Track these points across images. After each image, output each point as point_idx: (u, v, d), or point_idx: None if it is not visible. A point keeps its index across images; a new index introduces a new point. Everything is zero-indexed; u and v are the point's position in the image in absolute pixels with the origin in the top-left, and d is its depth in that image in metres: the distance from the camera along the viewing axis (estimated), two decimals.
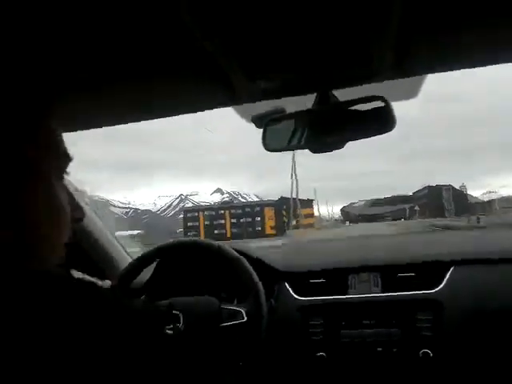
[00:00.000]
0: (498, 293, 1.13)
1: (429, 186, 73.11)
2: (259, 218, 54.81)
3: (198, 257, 1.22)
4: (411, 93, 0.78)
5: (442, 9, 0.53)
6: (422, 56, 0.66)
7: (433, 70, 0.71)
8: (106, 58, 0.59)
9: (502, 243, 1.37)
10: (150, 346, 0.72)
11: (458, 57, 0.68)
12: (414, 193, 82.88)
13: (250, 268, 1.07)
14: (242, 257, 1.09)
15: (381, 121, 0.70)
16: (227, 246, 1.15)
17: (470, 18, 0.56)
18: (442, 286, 1.15)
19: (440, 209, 64.16)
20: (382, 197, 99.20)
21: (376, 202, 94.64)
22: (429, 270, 1.19)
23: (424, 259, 1.23)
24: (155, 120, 0.84)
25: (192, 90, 0.72)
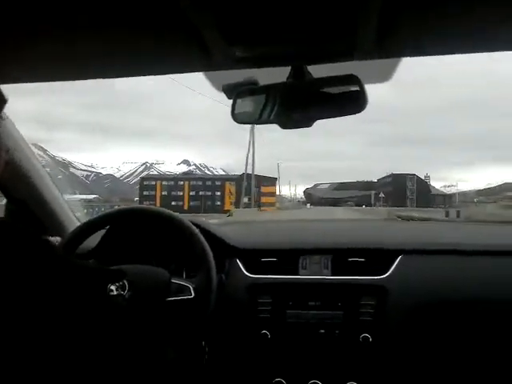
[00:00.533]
0: (444, 284, 1.22)
1: (393, 174, 75.33)
2: (219, 193, 54.75)
3: (150, 225, 1.22)
4: (385, 76, 0.80)
5: None
6: (403, 37, 0.68)
7: (412, 54, 0.73)
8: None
9: (456, 235, 1.49)
10: (93, 301, 0.74)
11: (438, 42, 0.71)
12: (378, 179, 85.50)
13: (205, 242, 1.08)
14: (196, 229, 1.10)
15: (352, 101, 0.73)
16: (185, 218, 1.15)
17: (454, 2, 0.58)
18: (389, 273, 1.23)
19: (402, 198, 66.65)
20: (347, 181, 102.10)
21: (340, 186, 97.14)
22: (378, 257, 1.27)
23: (375, 246, 1.30)
24: (130, 83, 0.83)
25: (168, 51, 0.71)
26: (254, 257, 1.31)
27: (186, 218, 1.17)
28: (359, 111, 0.72)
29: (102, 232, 1.24)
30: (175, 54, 0.73)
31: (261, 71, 0.77)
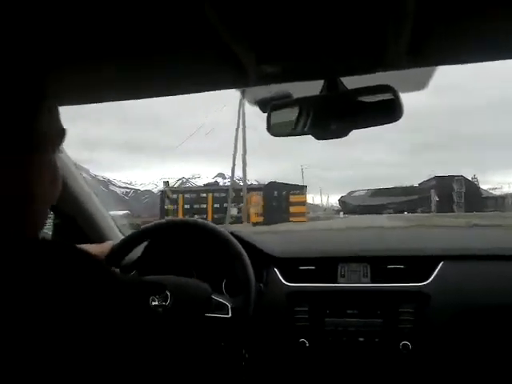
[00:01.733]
0: (487, 290, 1.27)
1: (437, 177, 73.21)
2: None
3: (192, 238, 1.33)
4: (421, 84, 0.87)
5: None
6: (436, 47, 0.73)
7: (446, 62, 0.79)
8: (123, 32, 0.66)
9: (496, 241, 1.52)
10: (134, 314, 0.82)
11: (472, 49, 0.76)
12: (420, 184, 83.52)
13: (250, 265, 1.16)
14: (239, 244, 1.19)
15: (388, 110, 0.79)
16: (228, 232, 1.24)
17: (484, 9, 0.63)
18: (430, 279, 1.30)
19: (449, 202, 64.72)
20: (385, 187, 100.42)
21: (378, 192, 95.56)
22: (419, 264, 1.33)
23: (415, 253, 1.38)
24: (164, 102, 0.93)
25: (202, 69, 0.80)
26: (292, 265, 1.40)
27: (227, 228, 1.26)
28: (395, 120, 0.78)
29: (145, 244, 1.36)
30: (210, 72, 0.82)
31: (295, 83, 0.85)
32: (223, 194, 54.59)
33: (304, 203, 51.22)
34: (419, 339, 1.25)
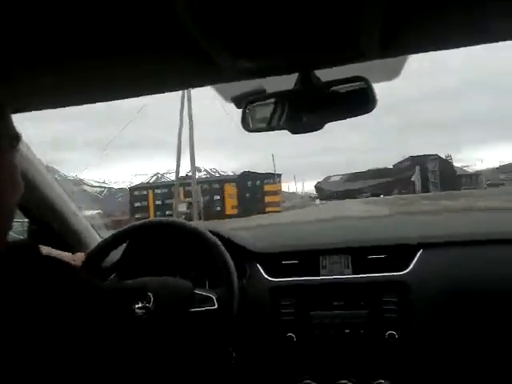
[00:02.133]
0: (467, 276, 1.34)
1: (411, 157, 74.52)
2: (218, 197, 54.68)
3: (170, 237, 1.36)
4: (393, 73, 0.90)
5: None
6: (408, 36, 0.76)
7: (417, 51, 0.82)
8: (86, 31, 0.66)
9: (477, 225, 1.61)
10: (119, 324, 0.84)
11: (445, 37, 0.79)
12: (394, 165, 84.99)
13: (226, 253, 1.20)
14: (218, 240, 1.22)
15: (361, 102, 0.82)
16: (201, 225, 1.28)
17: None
18: (410, 268, 1.35)
19: (424, 182, 66.12)
20: (360, 171, 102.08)
21: (353, 177, 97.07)
22: (399, 252, 1.38)
23: (395, 241, 1.42)
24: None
25: (175, 68, 0.81)
26: (274, 260, 1.43)
27: (204, 226, 1.29)
28: (369, 111, 0.81)
29: (124, 246, 1.38)
30: (181, 70, 0.82)
31: (268, 78, 0.87)
32: (205, 186, 54.36)
33: (279, 192, 51.44)
34: (405, 328, 1.30)
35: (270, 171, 49.56)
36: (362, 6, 0.64)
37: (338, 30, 0.72)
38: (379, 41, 0.74)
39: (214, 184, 54.80)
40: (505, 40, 0.84)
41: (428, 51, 0.83)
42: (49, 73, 0.78)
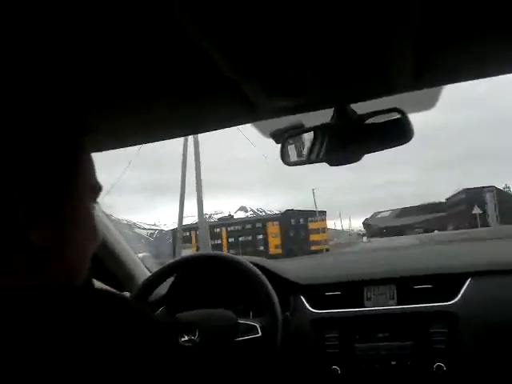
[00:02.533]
0: None
1: (466, 189, 71.94)
2: (261, 236, 54.55)
3: (216, 270, 1.43)
4: (429, 103, 0.94)
5: (457, 19, 0.66)
6: (440, 67, 0.80)
7: (451, 81, 0.86)
8: (132, 78, 0.74)
9: None
10: (167, 356, 0.88)
11: (476, 67, 0.83)
12: (447, 198, 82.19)
13: (267, 282, 1.26)
14: (258, 271, 1.28)
15: (398, 132, 0.86)
16: (245, 259, 1.34)
17: (484, 27, 0.69)
18: (458, 298, 1.33)
19: (481, 216, 63.35)
20: (410, 206, 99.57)
21: (403, 212, 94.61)
22: (445, 282, 1.38)
23: (440, 271, 1.42)
24: (175, 143, 1.02)
25: (213, 109, 0.88)
26: (318, 292, 1.46)
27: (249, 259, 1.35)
28: (406, 142, 0.85)
29: (172, 280, 1.47)
30: (221, 110, 0.90)
31: (305, 114, 0.93)
32: (238, 227, 54.49)
33: (325, 230, 50.67)
34: (453, 359, 1.28)
35: (313, 209, 49.22)
36: (391, 41, 0.68)
37: (370, 64, 0.77)
38: (411, 73, 0.78)
39: (257, 223, 54.87)
40: None
41: (459, 81, 0.86)
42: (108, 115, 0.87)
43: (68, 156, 0.59)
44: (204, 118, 0.94)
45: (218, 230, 54.81)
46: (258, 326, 1.21)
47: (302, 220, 50.85)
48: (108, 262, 1.57)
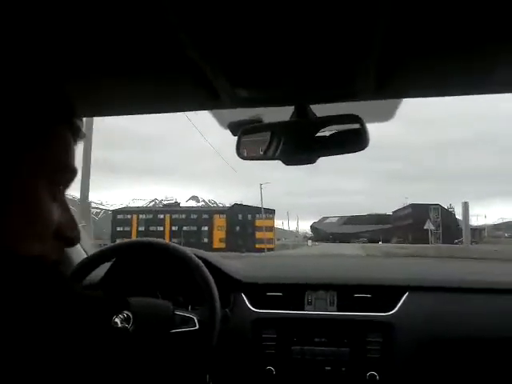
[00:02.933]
0: (452, 321, 1.39)
1: (413, 204, 74.77)
2: (206, 228, 54.25)
3: (156, 258, 1.41)
4: (388, 115, 0.98)
5: (422, 37, 0.70)
6: (403, 80, 0.84)
7: (410, 96, 0.90)
8: (97, 53, 0.73)
9: (465, 272, 1.70)
10: (97, 333, 0.87)
11: (440, 84, 0.87)
12: (394, 212, 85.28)
13: (209, 275, 1.25)
14: (201, 263, 1.27)
15: (354, 139, 0.89)
16: (188, 249, 1.33)
17: (450, 46, 0.73)
18: (395, 310, 1.41)
19: (424, 232, 66.15)
20: (358, 214, 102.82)
21: (351, 220, 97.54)
22: (385, 293, 1.45)
23: (380, 282, 1.49)
24: (140, 123, 1.01)
25: (176, 91, 0.88)
26: (260, 291, 1.49)
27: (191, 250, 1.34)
28: (361, 149, 0.88)
29: (109, 264, 1.43)
30: (183, 93, 0.90)
31: (266, 109, 0.94)
32: (183, 216, 53.96)
33: (271, 228, 51.18)
34: (386, 369, 1.35)
35: (263, 206, 49.63)
36: (358, 47, 0.71)
37: (335, 69, 0.80)
38: (374, 82, 0.82)
39: (204, 214, 54.53)
40: (500, 92, 0.93)
41: (422, 97, 0.91)
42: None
43: (24, 128, 0.57)
44: (165, 99, 0.93)
45: (162, 216, 53.99)
46: (195, 319, 1.20)
47: (249, 216, 51.01)
48: None
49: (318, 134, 0.91)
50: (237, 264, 1.66)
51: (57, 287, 0.71)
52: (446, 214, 70.51)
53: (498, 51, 0.75)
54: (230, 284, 1.48)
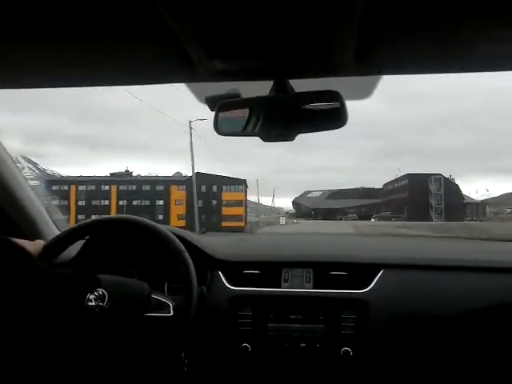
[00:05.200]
0: (425, 299, 1.67)
1: (409, 175, 73.12)
2: (162, 202, 52.40)
3: (133, 236, 1.60)
4: (366, 92, 1.16)
5: (403, 10, 0.82)
6: (383, 55, 0.99)
7: (390, 72, 1.07)
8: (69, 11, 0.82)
9: (439, 250, 2.03)
10: (68, 312, 1.01)
11: (417, 61, 1.04)
12: (385, 184, 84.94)
13: (191, 263, 1.44)
14: (182, 246, 1.45)
15: (334, 116, 1.07)
16: (167, 229, 1.51)
17: (429, 22, 0.86)
18: (370, 287, 1.68)
19: (423, 207, 65.74)
20: (345, 188, 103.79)
21: (336, 194, 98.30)
22: (360, 271, 1.72)
23: (357, 260, 1.77)
24: (122, 99, 1.14)
25: (150, 62, 1.01)
26: (236, 269, 1.74)
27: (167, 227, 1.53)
28: (340, 126, 1.07)
29: (83, 241, 1.62)
30: (158, 65, 1.04)
31: (244, 84, 1.10)
32: (133, 187, 52.44)
33: (242, 203, 50.40)
34: (360, 345, 1.62)
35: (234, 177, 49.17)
36: (337, 18, 0.84)
37: (314, 42, 0.93)
38: (354, 57, 0.97)
39: (158, 185, 53.26)
40: (477, 71, 1.12)
41: (400, 73, 1.08)
42: (30, 48, 0.95)
43: None
44: (141, 70, 1.07)
45: (107, 187, 52.16)
46: (171, 306, 1.37)
47: (215, 187, 50.19)
48: (13, 216, 1.69)
49: (297, 110, 1.08)
50: (214, 242, 1.90)
51: (21, 266, 0.84)
52: (449, 186, 70.42)
53: (478, 28, 0.89)
54: (206, 262, 1.71)
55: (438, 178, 70.07)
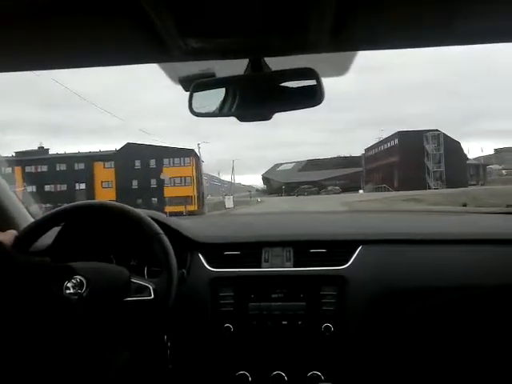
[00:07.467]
0: (404, 273, 2.06)
1: (400, 133, 71.79)
2: (83, 185, 49.67)
3: (110, 221, 1.91)
4: (342, 69, 1.42)
5: None
6: (357, 32, 1.17)
7: (366, 48, 1.27)
8: None
9: (419, 224, 2.45)
10: (41, 302, 1.20)
11: (393, 36, 1.22)
12: (367, 149, 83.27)
13: (169, 244, 1.74)
14: (161, 231, 1.76)
15: (310, 94, 1.32)
16: (143, 212, 1.81)
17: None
18: (349, 263, 2.05)
19: (419, 171, 64.42)
20: (320, 158, 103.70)
21: (310, 165, 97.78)
22: (339, 247, 2.09)
23: (336, 237, 2.15)
24: (83, 82, 1.36)
25: (121, 41, 1.16)
26: (216, 250, 2.10)
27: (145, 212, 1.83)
28: (317, 104, 1.33)
29: (58, 229, 1.90)
30: (129, 44, 1.20)
31: (218, 63, 1.32)
32: (44, 168, 49.76)
33: (191, 180, 47.07)
34: (341, 321, 1.99)
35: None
36: None
37: (289, 19, 1.09)
38: (329, 33, 1.14)
39: (78, 163, 50.32)
40: (454, 44, 1.32)
41: (376, 49, 1.30)
42: None
43: None
44: (112, 50, 1.24)
45: (10, 169, 49.16)
46: (150, 288, 1.68)
47: (153, 162, 48.23)
48: None
49: (274, 89, 1.34)
50: (193, 223, 2.27)
51: None
52: (450, 144, 68.84)
53: (453, 2, 1.06)
54: (186, 244, 2.05)
55: (436, 134, 69.12)
